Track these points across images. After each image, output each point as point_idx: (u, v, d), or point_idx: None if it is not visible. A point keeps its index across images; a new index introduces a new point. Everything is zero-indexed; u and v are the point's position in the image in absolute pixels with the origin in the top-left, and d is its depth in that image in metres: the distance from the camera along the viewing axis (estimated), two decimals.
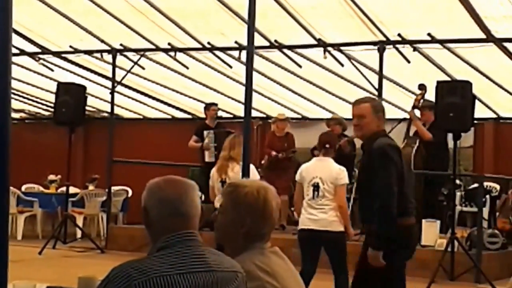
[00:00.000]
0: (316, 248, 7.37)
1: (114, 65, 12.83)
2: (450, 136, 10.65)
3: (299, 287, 3.22)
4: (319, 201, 7.25)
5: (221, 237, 3.21)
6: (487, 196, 12.16)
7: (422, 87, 11.01)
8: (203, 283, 2.63)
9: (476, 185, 12.34)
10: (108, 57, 12.91)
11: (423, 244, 10.55)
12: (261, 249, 3.14)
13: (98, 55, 13.02)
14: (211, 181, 8.32)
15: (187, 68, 13.16)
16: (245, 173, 7.27)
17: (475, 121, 10.44)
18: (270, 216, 3.14)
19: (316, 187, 7.27)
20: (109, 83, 13.44)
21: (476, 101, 10.34)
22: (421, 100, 11.06)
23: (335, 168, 7.36)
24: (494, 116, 13.37)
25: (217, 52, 12.50)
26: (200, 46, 12.28)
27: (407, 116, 11.07)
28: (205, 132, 12.16)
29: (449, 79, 11.26)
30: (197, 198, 2.81)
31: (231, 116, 14.93)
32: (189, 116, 16.14)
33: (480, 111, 11.42)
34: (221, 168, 8.20)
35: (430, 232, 10.49)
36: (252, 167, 7.85)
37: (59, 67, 13.92)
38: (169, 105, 15.66)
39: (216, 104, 12.60)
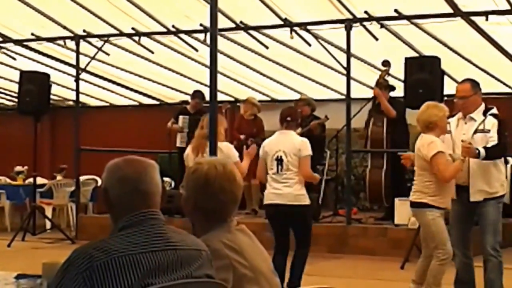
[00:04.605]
0: (284, 222, 7.25)
1: (78, 52, 12.58)
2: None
3: (266, 264, 3.20)
4: (283, 174, 7.14)
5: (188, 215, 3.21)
6: None
7: (386, 63, 10.89)
8: (166, 262, 2.59)
9: None
10: (71, 43, 12.66)
11: (396, 223, 10.51)
12: (228, 227, 3.13)
13: (61, 42, 12.77)
14: (186, 162, 7.99)
15: (152, 52, 12.94)
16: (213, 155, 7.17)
17: (445, 97, 10.38)
18: (230, 192, 3.12)
19: (279, 160, 7.16)
20: (73, 71, 13.20)
21: (445, 76, 10.29)
22: (385, 77, 10.99)
23: (298, 140, 7.27)
24: None
25: (182, 36, 12.30)
26: (164, 30, 12.08)
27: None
28: (181, 117, 12.10)
29: (417, 55, 11.17)
30: (157, 177, 2.79)
31: None
32: (156, 102, 15.95)
33: (449, 87, 11.33)
34: (199, 146, 7.85)
35: (403, 211, 10.41)
36: (230, 146, 7.81)
37: (22, 55, 13.67)
38: (136, 91, 15.46)
39: (201, 98, 12.21)
